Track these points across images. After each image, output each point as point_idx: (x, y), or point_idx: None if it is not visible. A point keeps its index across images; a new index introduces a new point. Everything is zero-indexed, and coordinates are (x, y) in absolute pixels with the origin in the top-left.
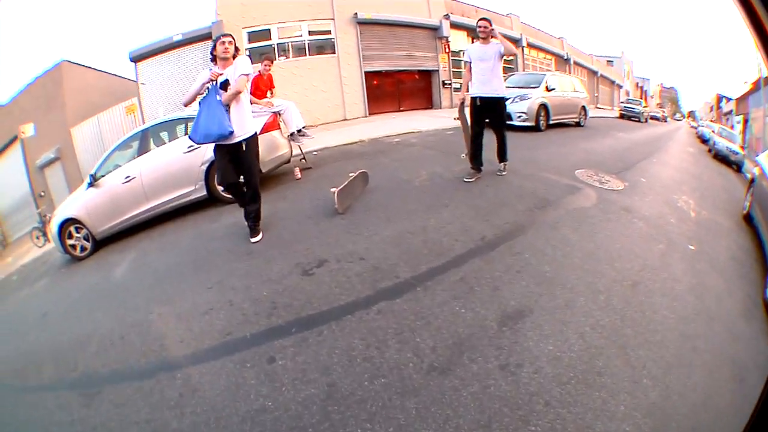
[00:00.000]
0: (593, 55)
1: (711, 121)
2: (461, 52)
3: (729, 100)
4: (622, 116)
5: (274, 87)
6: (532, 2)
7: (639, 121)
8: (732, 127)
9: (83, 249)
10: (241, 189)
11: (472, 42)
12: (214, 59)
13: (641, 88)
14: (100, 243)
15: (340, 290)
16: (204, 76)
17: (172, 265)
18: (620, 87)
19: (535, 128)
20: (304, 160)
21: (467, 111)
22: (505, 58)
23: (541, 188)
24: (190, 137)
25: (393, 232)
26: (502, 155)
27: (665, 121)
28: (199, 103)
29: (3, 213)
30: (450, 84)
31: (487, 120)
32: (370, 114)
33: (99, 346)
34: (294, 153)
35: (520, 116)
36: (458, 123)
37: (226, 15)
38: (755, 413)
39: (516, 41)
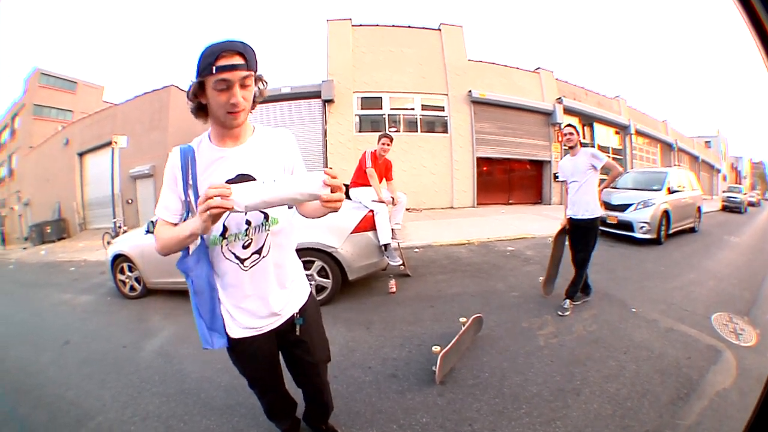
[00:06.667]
0: (693, 138)
1: None
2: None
3: None
4: (724, 208)
5: (391, 178)
6: (636, 83)
7: (740, 211)
8: None
9: (132, 289)
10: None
11: (582, 128)
12: (198, 110)
13: (736, 168)
14: (153, 291)
15: None
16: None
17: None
18: (718, 171)
19: (656, 241)
20: (402, 266)
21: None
22: (600, 172)
23: (683, 357)
24: (205, 347)
25: None
26: (571, 289)
27: (759, 205)
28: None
29: (90, 201)
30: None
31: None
32: (478, 204)
33: None
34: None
35: (642, 227)
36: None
37: (337, 76)
38: (755, 413)
39: (625, 127)
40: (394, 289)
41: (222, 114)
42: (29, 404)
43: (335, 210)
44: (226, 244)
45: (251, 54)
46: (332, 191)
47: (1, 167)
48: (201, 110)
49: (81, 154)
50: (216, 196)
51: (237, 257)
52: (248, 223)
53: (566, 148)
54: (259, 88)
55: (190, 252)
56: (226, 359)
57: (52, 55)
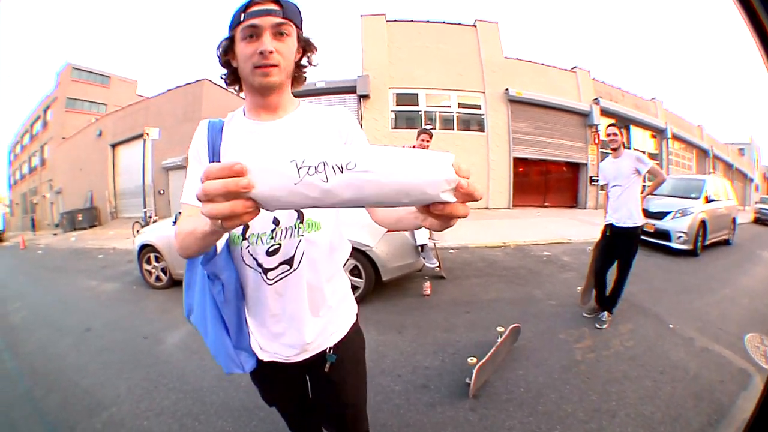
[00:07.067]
0: (728, 145)
1: None
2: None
3: None
4: (756, 220)
5: None
6: (670, 84)
7: None
8: None
9: (158, 279)
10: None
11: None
12: (232, 76)
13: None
14: (179, 282)
15: None
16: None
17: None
18: (751, 180)
19: (692, 253)
20: (438, 268)
21: None
22: (645, 178)
23: (716, 380)
24: (222, 363)
25: None
26: (610, 301)
27: None
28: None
29: (121, 191)
30: (597, 181)
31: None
32: (513, 206)
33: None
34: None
35: (680, 237)
36: None
37: (372, 71)
38: (755, 413)
39: (662, 131)
40: (428, 292)
41: (249, 69)
42: (44, 387)
43: (444, 229)
44: (247, 246)
45: (291, 6)
46: (461, 199)
47: (33, 157)
48: (233, 75)
49: (114, 146)
50: (223, 191)
51: (259, 265)
52: (276, 222)
53: (604, 151)
54: (308, 56)
55: (218, 250)
56: None
57: (88, 51)
